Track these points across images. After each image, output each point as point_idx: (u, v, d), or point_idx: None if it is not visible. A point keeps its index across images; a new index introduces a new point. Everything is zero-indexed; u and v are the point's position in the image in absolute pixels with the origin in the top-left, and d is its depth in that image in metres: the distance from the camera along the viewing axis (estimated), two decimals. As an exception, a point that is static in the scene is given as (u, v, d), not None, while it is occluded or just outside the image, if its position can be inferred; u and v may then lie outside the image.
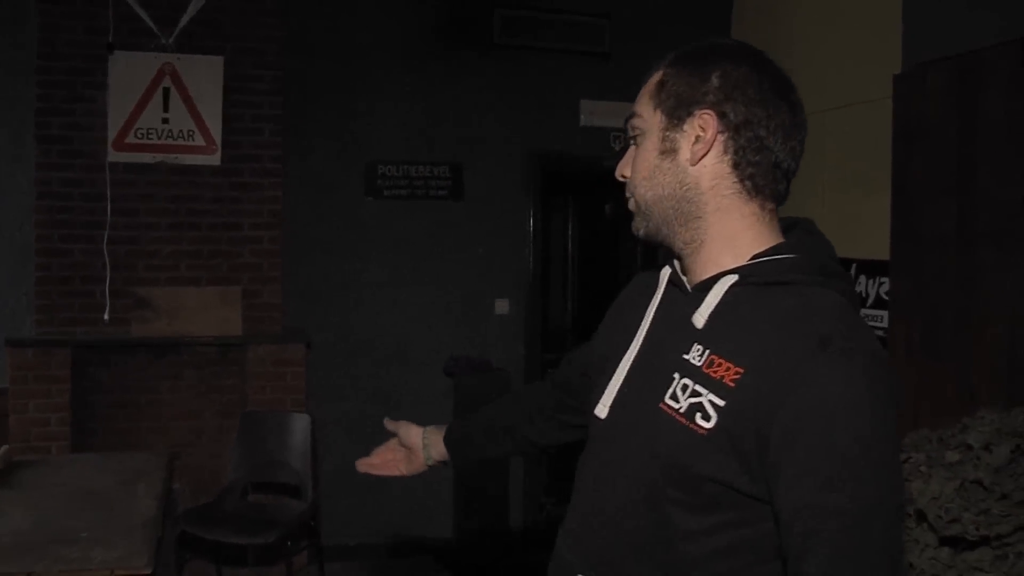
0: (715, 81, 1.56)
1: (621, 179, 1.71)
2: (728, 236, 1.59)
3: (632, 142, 1.68)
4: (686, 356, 1.56)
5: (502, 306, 6.62)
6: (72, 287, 5.76)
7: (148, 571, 3.17)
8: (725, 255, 1.59)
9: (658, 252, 1.75)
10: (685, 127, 1.58)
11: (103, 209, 5.69)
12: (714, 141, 1.56)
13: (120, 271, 5.75)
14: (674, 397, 1.54)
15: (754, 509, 1.46)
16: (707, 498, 1.49)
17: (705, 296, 1.57)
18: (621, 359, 1.70)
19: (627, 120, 1.68)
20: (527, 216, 6.65)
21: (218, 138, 5.87)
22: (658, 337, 1.67)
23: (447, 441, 2.29)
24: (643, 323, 1.70)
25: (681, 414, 1.51)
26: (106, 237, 5.68)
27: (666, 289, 1.71)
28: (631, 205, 1.70)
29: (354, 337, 6.29)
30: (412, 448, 2.35)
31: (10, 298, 5.95)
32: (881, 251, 4.88)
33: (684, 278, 1.67)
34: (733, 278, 1.55)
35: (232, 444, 5.65)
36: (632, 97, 1.67)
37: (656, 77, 1.63)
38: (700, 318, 1.56)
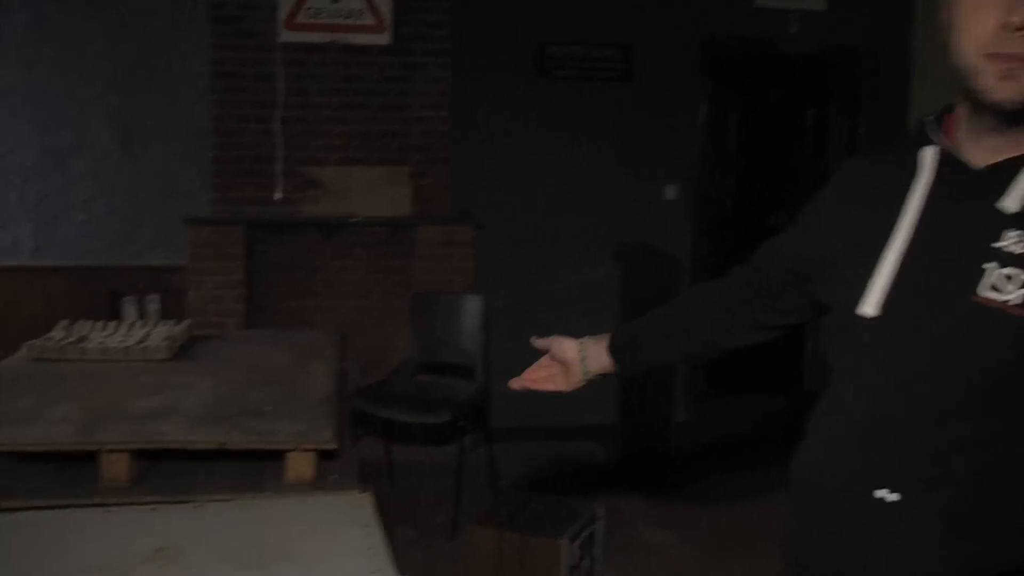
0: None
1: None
2: None
3: None
4: (998, 244, 1.43)
5: (671, 191, 6.47)
6: (245, 167, 5.86)
7: (333, 446, 3.21)
8: None
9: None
10: None
11: (275, 89, 5.73)
12: None
13: (291, 151, 5.81)
14: (995, 288, 1.42)
15: None
16: None
17: (1016, 177, 1.44)
18: (881, 252, 1.55)
19: None
20: (697, 99, 6.44)
21: (387, 17, 5.82)
22: (939, 225, 1.52)
23: (613, 348, 2.14)
24: (905, 210, 1.55)
25: (1014, 306, 1.40)
26: (278, 117, 5.73)
27: (938, 172, 1.56)
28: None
29: (520, 220, 6.25)
30: (567, 363, 2.21)
31: (186, 178, 6.09)
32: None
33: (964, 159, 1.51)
34: None
35: (401, 324, 5.71)
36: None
37: None
38: (1014, 201, 1.43)
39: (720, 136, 6.90)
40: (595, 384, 6.21)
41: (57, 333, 4.53)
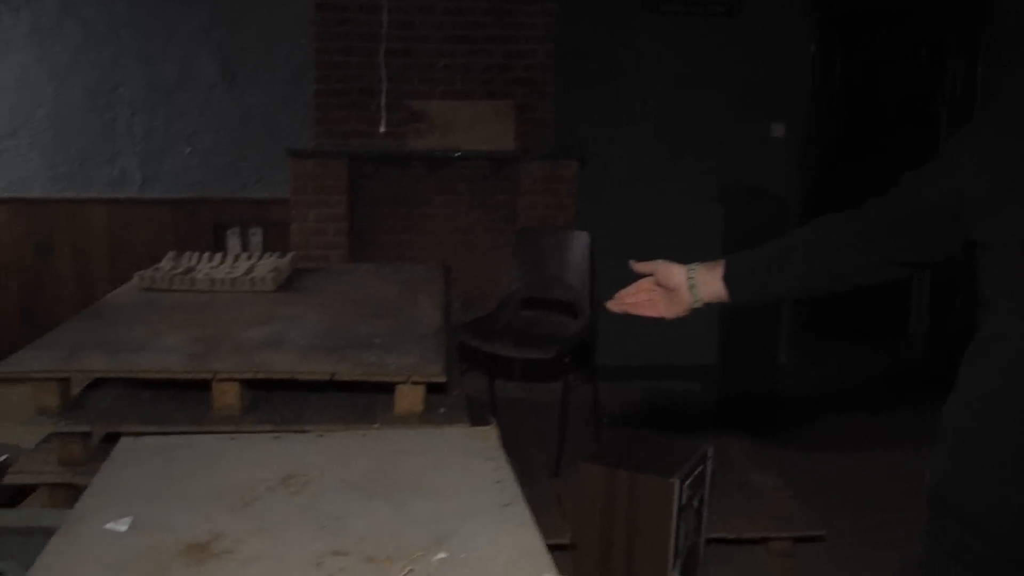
0: None
1: None
2: None
3: None
4: None
5: (778, 129, 6.29)
6: (349, 99, 5.82)
7: (443, 379, 3.18)
8: None
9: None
10: None
11: (380, 21, 5.66)
12: None
13: (395, 84, 5.76)
14: None
15: None
16: None
17: None
18: None
19: None
20: (807, 36, 6.23)
21: (494, -53, 5.71)
22: None
23: (728, 277, 2.02)
24: None
25: None
26: (382, 50, 5.67)
27: None
28: None
29: (624, 157, 6.14)
30: (675, 288, 2.09)
31: (290, 111, 6.09)
32: None
33: None
34: None
35: (503, 260, 5.66)
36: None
37: None
38: None
39: (828, 73, 6.68)
40: (698, 324, 6.15)
41: (166, 264, 4.57)
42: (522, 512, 1.71)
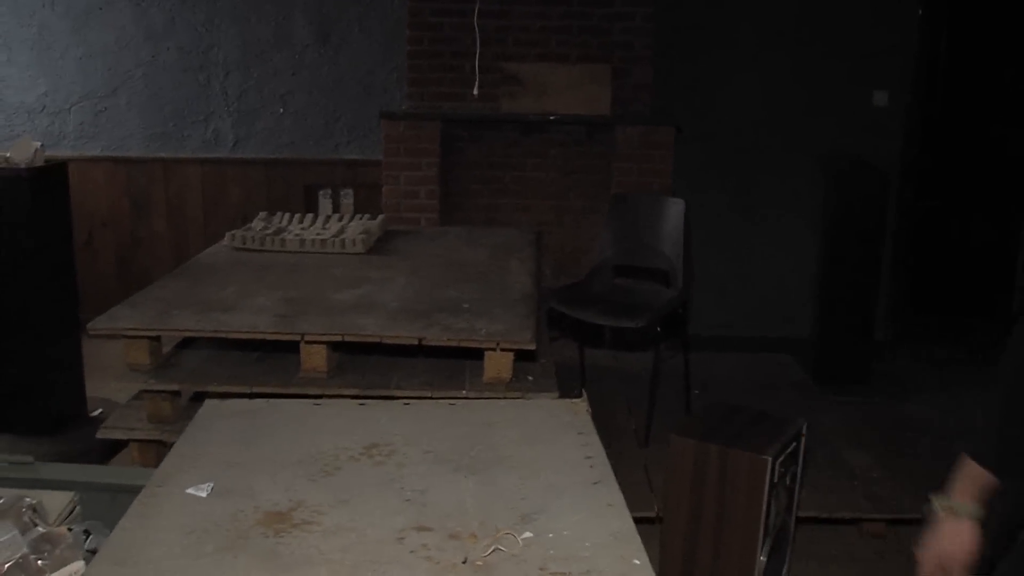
0: None
1: None
2: None
3: None
4: None
5: (880, 98, 6.08)
6: (442, 61, 5.77)
7: (532, 347, 3.12)
8: None
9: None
10: None
11: (474, -18, 5.59)
12: None
13: (489, 46, 5.67)
14: None
15: None
16: None
17: None
18: None
19: None
20: (913, 2, 5.99)
21: (592, -93, 5.59)
22: None
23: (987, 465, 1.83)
24: None
25: None
26: (476, 11, 5.59)
27: None
28: None
29: (722, 123, 5.99)
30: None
31: (383, 72, 6.06)
32: None
33: None
34: None
35: (595, 226, 5.58)
36: None
37: None
38: None
39: (935, 41, 6.44)
40: (793, 297, 5.97)
41: (257, 224, 4.58)
42: (612, 492, 1.64)
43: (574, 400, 2.00)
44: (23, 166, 4.37)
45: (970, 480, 1.84)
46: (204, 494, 1.61)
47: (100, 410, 4.77)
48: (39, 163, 4.45)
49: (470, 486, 1.64)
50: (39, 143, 4.53)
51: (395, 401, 2.06)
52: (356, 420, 1.92)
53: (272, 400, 2.05)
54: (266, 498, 1.60)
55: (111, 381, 3.34)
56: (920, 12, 5.98)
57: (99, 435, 3.30)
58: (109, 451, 4.10)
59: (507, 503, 1.58)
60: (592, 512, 1.57)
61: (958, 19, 6.53)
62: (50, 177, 4.52)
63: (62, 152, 6.01)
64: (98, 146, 6.20)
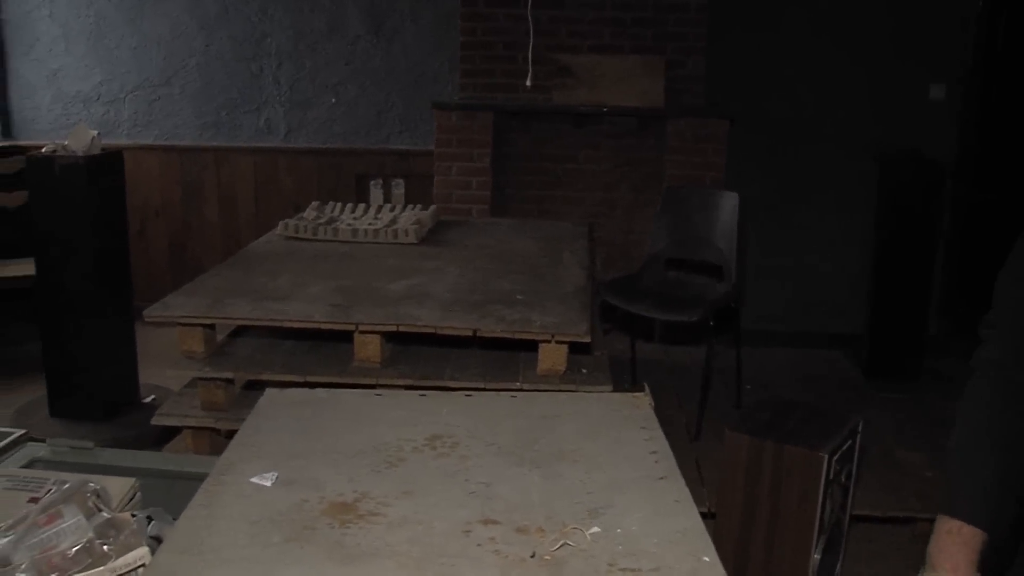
0: None
1: None
2: None
3: None
4: None
5: (937, 91, 5.99)
6: (495, 52, 5.76)
7: (587, 339, 3.10)
8: None
9: None
10: None
11: (527, -28, 5.57)
12: None
13: (542, 37, 5.65)
14: None
15: None
16: None
17: None
18: None
19: None
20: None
21: None
22: None
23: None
24: None
25: None
26: (530, 2, 5.57)
27: None
28: None
29: (775, 115, 5.93)
30: None
31: (435, 63, 6.06)
32: None
33: None
34: None
35: (646, 218, 5.55)
36: None
37: None
38: None
39: (992, 35, 6.33)
40: (846, 292, 5.90)
41: (309, 213, 4.59)
42: (678, 487, 1.61)
43: (636, 394, 1.98)
44: (80, 154, 4.41)
45: (962, 546, 1.69)
46: (269, 483, 1.60)
47: (153, 396, 4.81)
48: (95, 151, 4.49)
49: (535, 479, 1.62)
50: (95, 131, 4.57)
51: (455, 392, 2.04)
52: (417, 411, 1.91)
53: (332, 390, 2.05)
54: (331, 488, 1.59)
55: (164, 368, 3.35)
56: (980, 4, 5.88)
57: (154, 421, 3.32)
58: (163, 437, 4.14)
59: (573, 497, 1.57)
60: (659, 508, 1.54)
61: (1017, 11, 6.41)
62: (106, 165, 4.56)
63: (117, 140, 6.07)
64: (152, 134, 6.25)
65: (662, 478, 1.64)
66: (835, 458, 3.32)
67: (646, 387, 1.99)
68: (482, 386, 3.11)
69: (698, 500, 3.69)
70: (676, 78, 5.66)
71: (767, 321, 5.99)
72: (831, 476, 3.32)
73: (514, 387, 3.11)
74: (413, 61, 6.11)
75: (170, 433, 3.95)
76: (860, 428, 3.54)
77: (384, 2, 6.05)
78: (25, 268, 4.83)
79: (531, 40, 5.59)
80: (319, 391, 2.03)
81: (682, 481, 1.64)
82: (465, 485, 1.60)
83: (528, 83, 5.58)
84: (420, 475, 1.63)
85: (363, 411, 1.91)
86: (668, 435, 1.83)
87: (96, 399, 4.61)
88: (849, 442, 3.47)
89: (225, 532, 1.46)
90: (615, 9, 5.65)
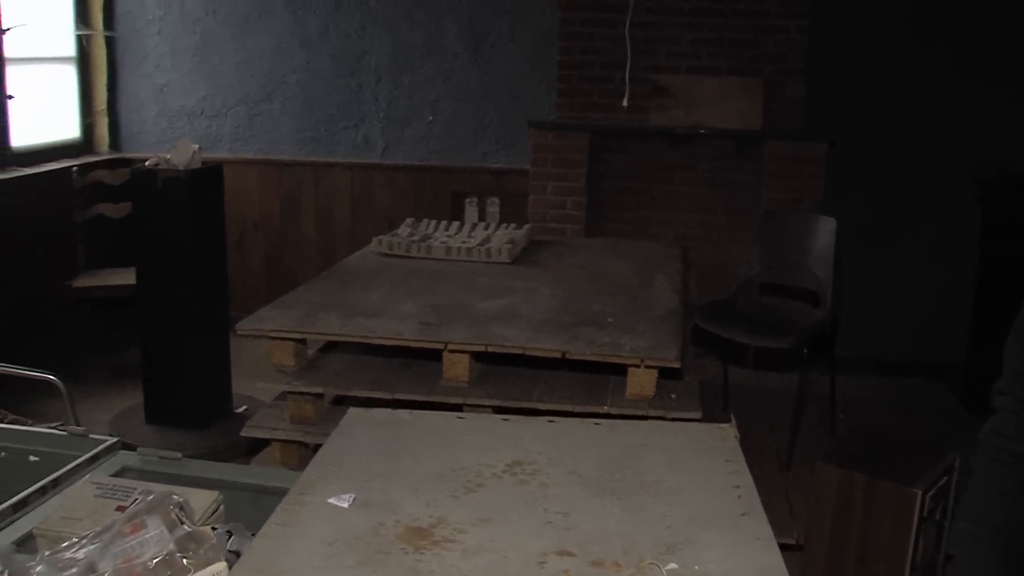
0: None
1: None
2: None
3: None
4: None
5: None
6: (592, 72, 5.74)
7: (677, 365, 3.06)
8: None
9: None
10: None
11: (628, -8, 5.55)
12: None
13: (640, 57, 5.62)
14: None
15: None
16: None
17: None
18: None
19: None
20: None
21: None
22: None
23: None
24: None
25: None
26: (628, 22, 5.55)
27: None
28: None
29: (874, 138, 5.79)
30: None
31: (532, 82, 6.06)
32: None
33: None
34: None
35: (742, 242, 5.47)
36: None
37: None
38: None
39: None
40: (946, 319, 5.72)
41: (403, 230, 4.62)
42: (761, 525, 1.57)
43: (722, 425, 1.94)
44: (182, 167, 4.50)
45: None
46: (346, 505, 1.60)
47: (245, 407, 4.88)
48: (197, 164, 4.59)
49: (614, 511, 1.60)
50: (197, 145, 4.67)
51: (538, 418, 2.02)
52: (499, 436, 1.89)
53: (415, 411, 2.04)
54: (407, 512, 1.58)
55: (256, 380, 3.40)
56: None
57: (243, 434, 3.36)
58: (253, 448, 4.19)
59: (652, 531, 1.54)
60: (739, 545, 1.51)
61: None
62: (207, 178, 4.66)
63: (218, 154, 6.19)
64: (252, 149, 6.37)
65: (744, 514, 1.60)
66: (930, 494, 3.23)
67: (732, 418, 1.95)
68: (570, 409, 3.08)
69: (787, 532, 3.62)
70: (775, 99, 5.58)
71: (863, 348, 5.85)
72: (925, 513, 3.22)
73: (601, 411, 3.08)
74: (510, 79, 6.12)
75: (260, 444, 4.00)
76: (957, 464, 3.44)
77: (482, 20, 6.08)
78: (127, 277, 4.94)
79: (628, 60, 5.57)
80: (402, 412, 2.03)
81: (765, 518, 1.60)
82: (543, 514, 1.58)
83: (625, 103, 5.55)
84: (498, 502, 1.62)
85: (445, 434, 1.90)
86: (759, 464, 1.79)
87: (191, 408, 4.70)
88: (945, 478, 3.37)
89: (300, 552, 1.46)
90: (713, 30, 5.59)
